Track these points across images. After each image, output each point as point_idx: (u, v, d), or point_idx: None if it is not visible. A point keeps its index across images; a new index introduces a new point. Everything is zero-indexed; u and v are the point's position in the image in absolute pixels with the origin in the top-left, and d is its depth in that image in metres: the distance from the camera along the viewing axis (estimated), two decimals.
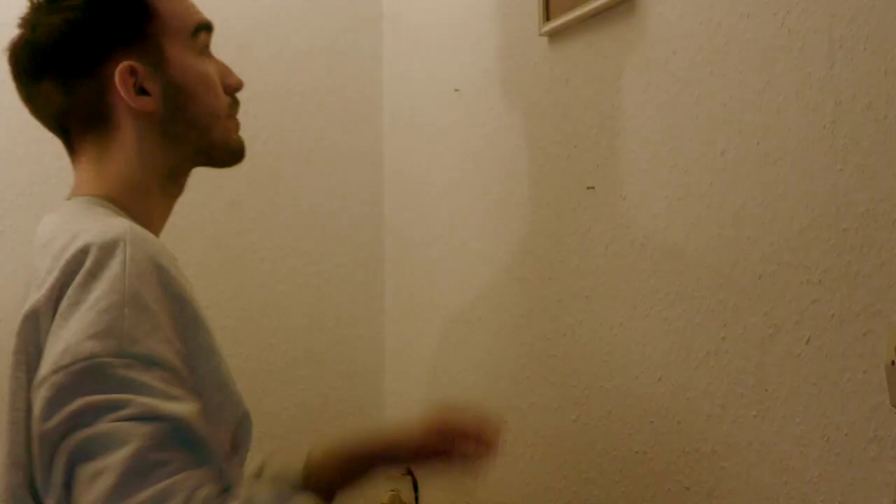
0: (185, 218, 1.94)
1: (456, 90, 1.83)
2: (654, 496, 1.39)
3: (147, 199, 1.23)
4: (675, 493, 1.36)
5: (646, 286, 1.40)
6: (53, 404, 1.02)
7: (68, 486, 1.01)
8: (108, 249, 1.08)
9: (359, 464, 1.37)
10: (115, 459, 0.98)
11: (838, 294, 1.13)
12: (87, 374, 1.02)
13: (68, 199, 1.24)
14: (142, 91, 1.21)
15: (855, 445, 1.11)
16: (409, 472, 1.93)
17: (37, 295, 1.10)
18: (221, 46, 2.00)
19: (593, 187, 1.49)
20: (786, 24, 1.19)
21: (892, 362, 1.06)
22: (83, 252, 1.08)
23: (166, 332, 1.06)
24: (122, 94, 1.20)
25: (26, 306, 1.11)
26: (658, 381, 1.39)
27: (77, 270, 1.07)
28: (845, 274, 1.12)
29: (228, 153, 1.30)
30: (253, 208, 1.99)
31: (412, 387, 2.01)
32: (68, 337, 1.04)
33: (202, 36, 1.27)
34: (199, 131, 1.25)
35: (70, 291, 1.06)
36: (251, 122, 2.00)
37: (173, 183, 1.27)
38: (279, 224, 2.01)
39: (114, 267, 1.07)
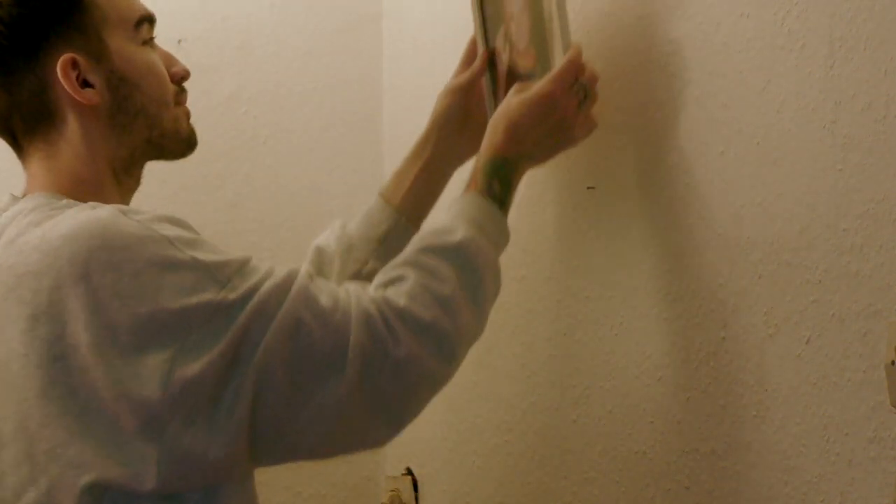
0: (185, 218, 1.95)
1: None
2: (654, 496, 1.39)
3: (102, 194, 1.22)
4: (675, 493, 1.36)
5: (646, 286, 1.40)
6: (206, 357, 1.08)
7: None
8: (113, 222, 1.10)
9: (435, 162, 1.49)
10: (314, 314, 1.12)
11: (838, 294, 1.13)
12: (215, 318, 1.09)
13: (14, 199, 1.23)
14: (85, 84, 1.21)
15: (855, 445, 1.11)
16: (409, 472, 1.93)
17: (33, 286, 1.10)
18: (222, 46, 2.00)
19: (593, 187, 1.49)
20: (786, 24, 1.19)
21: (892, 362, 1.06)
22: (85, 233, 1.09)
23: (210, 241, 1.16)
24: (66, 87, 1.19)
25: (26, 306, 1.11)
26: (658, 381, 1.39)
27: (92, 250, 1.08)
28: (845, 274, 1.12)
29: (179, 141, 1.29)
30: (253, 208, 1.99)
31: None
32: (169, 306, 1.08)
33: (145, 27, 1.26)
34: (147, 120, 1.25)
35: (106, 271, 1.07)
36: (251, 122, 2.01)
37: (128, 176, 1.26)
38: (279, 224, 2.01)
39: (136, 232, 1.10)
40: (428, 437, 1.88)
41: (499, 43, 1.44)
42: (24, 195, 1.23)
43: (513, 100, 1.34)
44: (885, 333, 1.07)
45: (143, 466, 1.07)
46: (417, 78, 1.97)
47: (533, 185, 1.63)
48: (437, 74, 1.90)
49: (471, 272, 1.21)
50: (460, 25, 1.82)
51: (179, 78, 1.30)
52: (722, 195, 1.28)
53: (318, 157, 2.04)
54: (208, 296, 1.09)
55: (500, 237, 1.29)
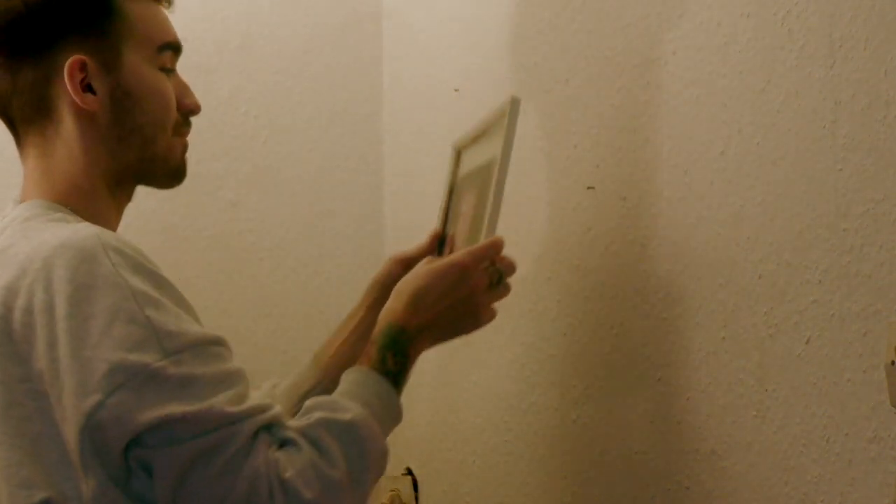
0: (185, 218, 1.95)
1: (456, 90, 1.83)
2: (654, 496, 1.39)
3: (96, 202, 1.22)
4: (675, 493, 1.36)
5: (646, 286, 1.40)
6: (124, 422, 1.04)
7: (177, 482, 1.05)
8: (91, 258, 1.08)
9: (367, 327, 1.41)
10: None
11: (838, 294, 1.13)
12: (147, 385, 1.04)
13: (18, 202, 1.23)
14: (88, 89, 1.20)
15: (855, 445, 1.11)
16: (409, 472, 1.93)
17: (9, 303, 1.09)
18: (221, 46, 2.00)
19: (593, 187, 1.49)
20: (786, 24, 1.19)
21: (892, 362, 1.06)
22: (61, 261, 1.08)
23: (177, 309, 1.10)
24: (68, 86, 1.19)
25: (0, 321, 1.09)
26: (658, 381, 1.39)
27: (61, 281, 1.07)
28: (845, 274, 1.12)
29: (167, 170, 1.27)
30: (253, 208, 1.99)
31: (412, 387, 2.00)
32: (106, 356, 1.05)
33: (168, 55, 1.26)
34: (142, 139, 1.24)
35: (66, 306, 1.06)
36: (251, 122, 2.01)
37: (120, 189, 1.25)
38: (279, 224, 2.01)
39: (106, 275, 1.07)
40: (428, 437, 1.88)
41: (452, 232, 1.45)
42: (21, 199, 1.23)
43: (422, 268, 1.31)
44: (885, 333, 1.08)
45: (80, 502, 1.07)
46: (417, 78, 1.97)
47: (533, 185, 1.63)
48: (437, 74, 1.90)
49: (358, 456, 1.15)
50: (460, 25, 1.83)
51: (188, 110, 1.29)
52: (722, 195, 1.28)
53: (318, 157, 2.04)
54: (147, 358, 1.05)
55: (391, 417, 1.24)
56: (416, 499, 1.91)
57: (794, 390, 1.19)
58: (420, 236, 1.96)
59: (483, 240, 1.30)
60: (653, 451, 1.40)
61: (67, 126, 1.21)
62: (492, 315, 1.31)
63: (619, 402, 1.45)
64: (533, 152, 1.62)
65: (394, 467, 1.97)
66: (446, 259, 1.29)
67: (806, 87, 1.16)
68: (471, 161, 1.45)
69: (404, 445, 1.96)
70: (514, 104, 1.31)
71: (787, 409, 1.20)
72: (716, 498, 1.30)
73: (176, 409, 1.04)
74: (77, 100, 1.19)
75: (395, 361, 1.24)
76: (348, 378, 1.23)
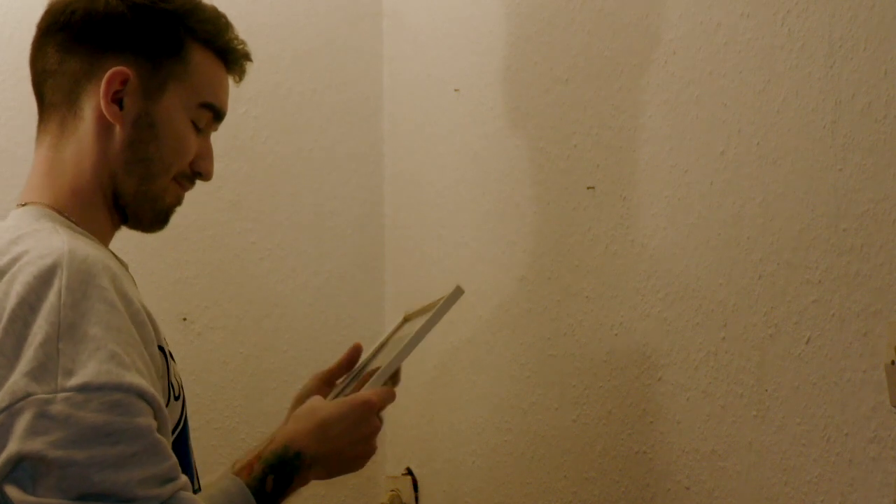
0: (185, 218, 1.94)
1: (456, 90, 1.83)
2: (654, 496, 1.39)
3: (93, 211, 1.22)
4: (675, 493, 1.36)
5: (646, 286, 1.40)
6: None
7: None
8: (44, 278, 1.06)
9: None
10: None
11: (838, 294, 1.13)
12: (25, 414, 1.01)
13: (19, 205, 1.23)
14: (119, 103, 1.21)
15: (855, 445, 1.11)
16: (409, 472, 1.93)
17: None
18: None
19: (593, 187, 1.49)
20: (786, 24, 1.19)
21: (892, 362, 1.06)
22: (22, 276, 1.06)
23: (114, 345, 1.05)
24: (101, 90, 1.20)
25: None
26: (658, 381, 1.39)
27: (14, 296, 1.06)
28: (845, 274, 1.12)
29: (154, 212, 1.26)
30: (253, 208, 1.99)
31: (412, 387, 2.01)
32: (10, 376, 1.02)
33: (207, 115, 1.27)
34: (145, 173, 1.23)
35: (8, 325, 1.05)
36: (251, 123, 2.01)
37: (115, 208, 1.24)
38: (279, 224, 2.01)
39: (49, 298, 1.05)
40: (428, 437, 1.88)
41: (372, 367, 1.46)
42: (21, 199, 1.23)
43: (330, 399, 1.30)
44: (885, 333, 1.08)
45: None
46: (417, 78, 1.97)
47: (533, 185, 1.63)
48: (437, 74, 1.90)
49: None
50: (460, 25, 1.83)
51: (199, 171, 1.29)
52: (722, 195, 1.28)
53: (318, 157, 2.04)
54: (36, 388, 1.01)
55: None
56: (416, 499, 1.91)
57: (794, 390, 1.19)
58: (419, 237, 1.96)
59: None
60: (653, 451, 1.40)
61: (85, 126, 1.22)
62: (366, 462, 1.31)
63: (619, 402, 1.45)
64: (533, 152, 1.62)
65: (394, 467, 1.97)
66: (356, 395, 1.28)
67: (806, 87, 1.16)
68: (406, 330, 1.48)
69: (404, 445, 1.96)
70: (455, 294, 1.35)
71: (787, 409, 1.20)
72: (716, 498, 1.30)
73: (40, 447, 0.99)
74: (103, 105, 1.20)
75: (274, 485, 1.21)
76: (221, 486, 1.20)
